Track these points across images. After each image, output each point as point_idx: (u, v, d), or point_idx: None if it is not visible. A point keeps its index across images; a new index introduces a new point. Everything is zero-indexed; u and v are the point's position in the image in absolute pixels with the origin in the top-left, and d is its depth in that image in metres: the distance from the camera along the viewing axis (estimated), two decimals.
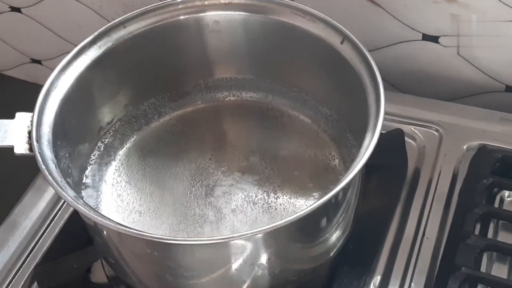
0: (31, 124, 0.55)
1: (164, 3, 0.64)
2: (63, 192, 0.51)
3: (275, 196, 0.62)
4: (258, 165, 0.65)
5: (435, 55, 0.76)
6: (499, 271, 0.60)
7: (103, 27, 0.62)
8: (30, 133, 0.55)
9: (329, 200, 0.49)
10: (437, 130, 0.71)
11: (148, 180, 0.65)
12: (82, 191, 0.63)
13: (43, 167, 0.52)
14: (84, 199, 0.61)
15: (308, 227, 0.54)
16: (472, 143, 0.70)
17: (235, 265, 0.53)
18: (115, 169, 0.66)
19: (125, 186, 0.64)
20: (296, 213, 0.48)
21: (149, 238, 0.49)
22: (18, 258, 0.66)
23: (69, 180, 0.55)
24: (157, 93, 0.69)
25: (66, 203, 0.66)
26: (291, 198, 0.62)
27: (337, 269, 0.60)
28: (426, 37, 0.75)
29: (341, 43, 0.59)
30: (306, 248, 0.56)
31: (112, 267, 0.61)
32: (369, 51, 0.57)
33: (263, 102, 0.70)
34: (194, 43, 0.67)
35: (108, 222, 0.50)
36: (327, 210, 0.54)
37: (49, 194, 0.71)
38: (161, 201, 0.63)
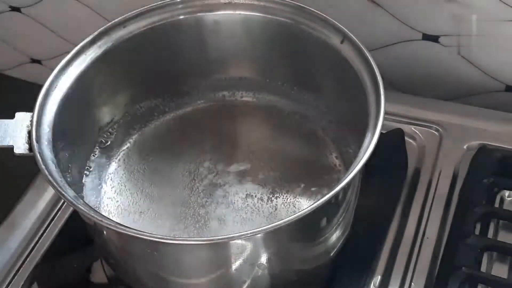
0: (31, 124, 0.55)
1: (164, 3, 0.64)
2: (63, 192, 0.51)
3: (275, 196, 0.62)
4: (258, 165, 0.65)
5: (435, 55, 0.76)
6: (500, 271, 0.60)
7: (103, 27, 0.62)
8: (30, 133, 0.55)
9: (329, 200, 0.49)
10: (437, 130, 0.71)
11: (148, 180, 0.65)
12: (82, 191, 0.63)
13: (43, 167, 0.52)
14: (84, 199, 0.61)
15: (308, 227, 0.54)
16: (472, 143, 0.70)
17: (235, 265, 0.53)
18: (115, 169, 0.66)
19: (125, 186, 0.64)
20: (296, 213, 0.48)
21: (149, 238, 0.49)
22: (18, 258, 0.66)
23: (69, 180, 0.55)
24: (157, 93, 0.69)
25: (66, 203, 0.66)
26: (291, 198, 0.62)
27: (337, 269, 0.60)
28: (426, 37, 0.75)
29: (341, 43, 0.59)
30: (306, 248, 0.56)
31: (112, 267, 0.61)
32: (369, 51, 0.57)
33: (263, 102, 0.70)
34: (194, 43, 0.67)
35: (108, 222, 0.50)
36: (327, 210, 0.54)
37: (49, 194, 0.71)
38: (161, 201, 0.63)
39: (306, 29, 0.61)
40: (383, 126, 0.52)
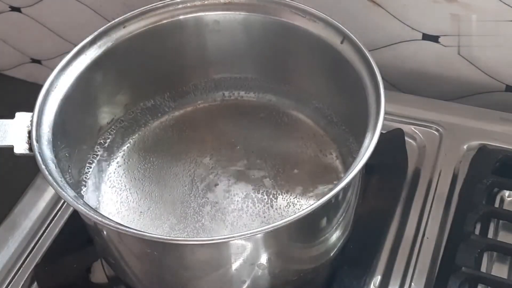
0: (31, 124, 0.55)
1: (164, 3, 0.64)
2: (63, 192, 0.51)
3: (275, 196, 0.62)
4: (258, 165, 0.65)
5: (435, 55, 0.76)
6: (500, 271, 0.60)
7: (103, 27, 0.62)
8: (30, 133, 0.55)
9: (329, 200, 0.49)
10: (437, 130, 0.71)
11: (148, 180, 0.65)
12: (82, 191, 0.63)
13: (43, 167, 0.52)
14: (84, 199, 0.61)
15: (308, 227, 0.54)
16: (472, 143, 0.70)
17: (235, 265, 0.53)
18: (115, 169, 0.66)
19: (125, 186, 0.64)
20: (296, 213, 0.48)
21: (149, 238, 0.49)
22: (18, 258, 0.66)
23: (69, 180, 0.55)
24: (157, 93, 0.69)
25: (66, 203, 0.66)
26: (291, 198, 0.62)
27: (337, 269, 0.60)
28: (426, 37, 0.75)
29: (341, 43, 0.59)
30: (306, 248, 0.56)
31: (112, 267, 0.61)
32: (369, 51, 0.57)
33: (263, 102, 0.70)
34: (194, 43, 0.67)
35: (108, 222, 0.50)
36: (327, 210, 0.54)
37: (49, 194, 0.71)
38: (161, 201, 0.63)
39: (306, 29, 0.61)
40: (383, 126, 0.52)
